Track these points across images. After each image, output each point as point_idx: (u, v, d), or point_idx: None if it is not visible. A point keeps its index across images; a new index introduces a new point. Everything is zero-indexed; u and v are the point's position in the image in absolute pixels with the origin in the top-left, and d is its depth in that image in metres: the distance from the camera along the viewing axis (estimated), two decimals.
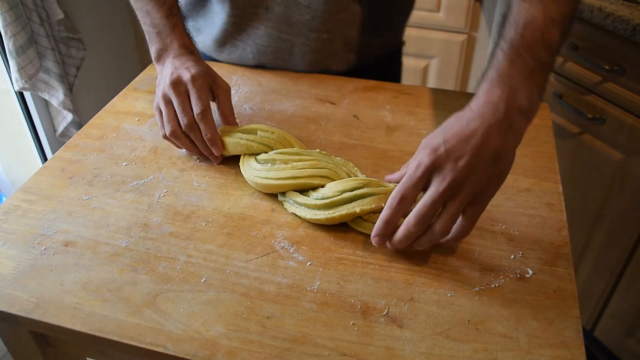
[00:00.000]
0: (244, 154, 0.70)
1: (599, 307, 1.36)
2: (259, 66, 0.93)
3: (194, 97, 0.70)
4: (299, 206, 0.63)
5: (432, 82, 1.89)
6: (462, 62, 1.82)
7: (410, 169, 0.55)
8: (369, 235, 0.59)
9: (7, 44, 1.43)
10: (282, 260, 0.58)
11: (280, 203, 0.66)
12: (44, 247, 0.60)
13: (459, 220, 0.55)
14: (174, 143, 0.73)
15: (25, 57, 1.47)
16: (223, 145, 0.71)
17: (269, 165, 0.66)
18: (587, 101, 1.23)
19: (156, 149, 0.75)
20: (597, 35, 1.16)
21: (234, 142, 0.70)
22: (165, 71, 0.74)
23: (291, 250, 0.60)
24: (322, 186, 0.63)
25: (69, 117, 1.65)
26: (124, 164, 0.72)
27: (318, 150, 0.68)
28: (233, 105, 0.75)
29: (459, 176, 0.53)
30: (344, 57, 0.91)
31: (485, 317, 0.52)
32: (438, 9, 1.74)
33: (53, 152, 1.60)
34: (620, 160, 1.20)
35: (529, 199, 0.66)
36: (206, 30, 0.92)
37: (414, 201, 0.56)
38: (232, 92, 0.86)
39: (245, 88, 0.88)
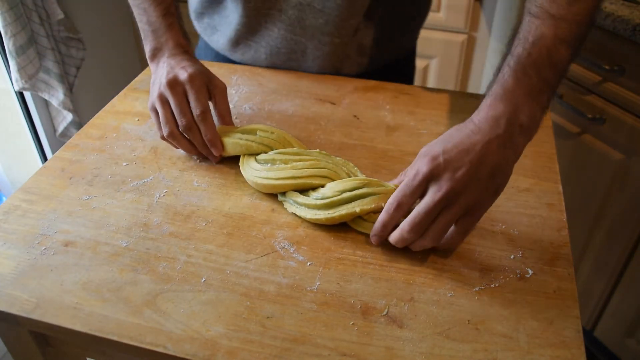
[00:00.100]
0: (244, 154, 0.70)
1: (599, 307, 1.36)
2: (272, 67, 0.92)
3: (193, 97, 0.69)
4: (299, 206, 0.63)
5: (432, 82, 1.89)
6: (462, 62, 1.82)
7: (409, 177, 0.56)
8: (369, 235, 0.59)
9: (7, 44, 1.43)
10: (282, 260, 0.58)
11: (280, 203, 0.66)
12: (44, 247, 0.60)
13: (451, 230, 0.56)
14: (171, 144, 0.72)
15: (25, 57, 1.47)
16: (222, 146, 0.71)
17: (269, 165, 0.66)
18: (587, 101, 1.23)
19: (156, 149, 0.75)
20: (597, 35, 1.16)
21: (233, 142, 0.70)
22: (160, 70, 0.73)
23: (291, 250, 0.60)
24: (322, 186, 0.63)
25: (69, 117, 1.65)
26: (124, 164, 0.72)
27: (318, 150, 0.68)
28: (233, 106, 0.75)
29: (456, 187, 0.53)
30: (357, 61, 0.91)
31: (485, 317, 0.52)
32: (438, 9, 1.74)
33: (53, 152, 1.60)
34: (620, 160, 1.20)
35: (529, 199, 0.66)
36: (222, 28, 0.91)
37: (411, 208, 0.56)
38: (232, 92, 0.86)
39: (245, 88, 0.88)
